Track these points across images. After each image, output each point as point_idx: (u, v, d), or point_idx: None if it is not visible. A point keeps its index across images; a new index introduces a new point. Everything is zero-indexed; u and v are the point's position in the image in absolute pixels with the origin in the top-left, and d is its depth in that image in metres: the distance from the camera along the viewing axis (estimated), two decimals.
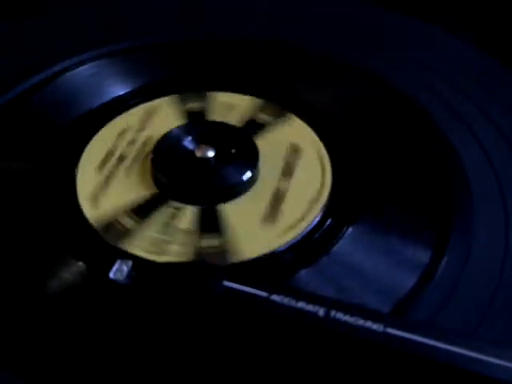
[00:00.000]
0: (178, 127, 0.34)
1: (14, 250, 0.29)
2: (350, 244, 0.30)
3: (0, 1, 0.44)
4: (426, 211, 0.31)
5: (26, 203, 0.31)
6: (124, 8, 0.44)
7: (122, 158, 0.33)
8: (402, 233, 0.30)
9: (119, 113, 0.36)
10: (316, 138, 0.34)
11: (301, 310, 0.24)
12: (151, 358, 0.25)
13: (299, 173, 0.33)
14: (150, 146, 0.33)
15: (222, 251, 0.29)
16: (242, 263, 0.29)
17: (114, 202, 0.31)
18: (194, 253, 0.29)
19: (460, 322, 0.27)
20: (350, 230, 0.30)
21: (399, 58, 0.40)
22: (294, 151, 0.34)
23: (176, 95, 0.37)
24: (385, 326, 0.23)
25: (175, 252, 0.29)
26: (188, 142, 0.33)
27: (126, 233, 0.30)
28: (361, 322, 0.24)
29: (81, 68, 0.38)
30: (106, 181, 0.32)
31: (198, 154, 0.32)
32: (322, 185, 0.32)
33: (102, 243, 0.29)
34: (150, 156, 0.32)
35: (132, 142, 0.34)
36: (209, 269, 0.26)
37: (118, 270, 0.26)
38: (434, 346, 0.23)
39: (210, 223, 0.30)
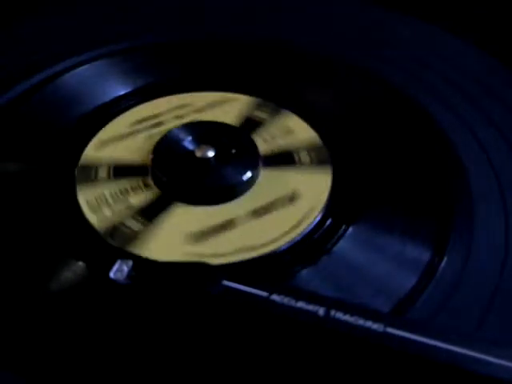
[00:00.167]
0: (178, 127, 0.34)
1: (14, 249, 0.29)
2: (350, 244, 0.30)
3: (0, 1, 0.44)
4: (426, 211, 0.31)
5: (26, 203, 0.31)
6: (124, 8, 0.44)
7: None
8: (402, 233, 0.30)
9: (119, 113, 0.36)
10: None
11: (301, 310, 0.24)
12: (151, 358, 0.25)
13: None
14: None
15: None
16: (242, 263, 0.29)
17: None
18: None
19: (460, 322, 0.27)
20: (350, 229, 0.30)
21: (399, 58, 0.40)
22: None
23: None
24: (385, 326, 0.23)
25: None
26: (188, 142, 0.33)
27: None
28: (361, 321, 0.24)
29: (81, 68, 0.38)
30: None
31: (198, 154, 0.32)
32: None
33: (102, 243, 0.29)
34: (150, 156, 0.33)
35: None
36: (208, 269, 0.26)
37: (118, 270, 0.26)
38: (434, 346, 0.23)
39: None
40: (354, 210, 0.31)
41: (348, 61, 0.39)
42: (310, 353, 0.24)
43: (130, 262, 0.27)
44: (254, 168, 0.32)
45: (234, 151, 0.32)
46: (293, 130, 0.35)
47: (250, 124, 0.35)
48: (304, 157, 0.33)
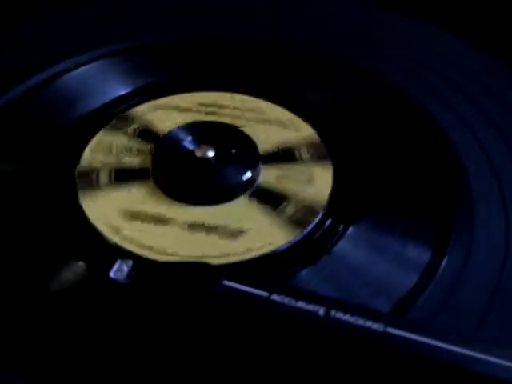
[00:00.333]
0: (178, 127, 0.34)
1: (14, 249, 0.29)
2: (350, 244, 0.30)
3: (0, 1, 0.44)
4: (426, 211, 0.31)
5: (26, 204, 0.31)
6: (124, 8, 0.44)
7: None
8: (402, 233, 0.30)
9: (119, 112, 0.36)
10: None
11: (301, 310, 0.24)
12: (151, 358, 0.25)
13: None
14: None
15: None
16: (242, 263, 0.29)
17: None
18: None
19: (460, 322, 0.27)
20: (350, 229, 0.30)
21: (399, 57, 0.40)
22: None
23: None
24: (385, 326, 0.23)
25: None
26: (188, 142, 0.33)
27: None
28: (361, 321, 0.24)
29: (81, 68, 0.38)
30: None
31: (198, 154, 0.32)
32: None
33: (103, 243, 0.29)
34: (150, 156, 0.33)
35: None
36: (209, 269, 0.26)
37: (118, 270, 0.26)
38: (434, 346, 0.23)
39: None
40: (354, 210, 0.31)
41: (348, 61, 0.39)
42: (310, 353, 0.24)
43: (130, 262, 0.27)
44: (253, 168, 0.32)
45: (233, 151, 0.32)
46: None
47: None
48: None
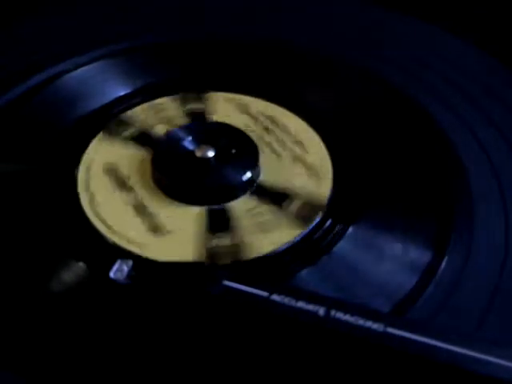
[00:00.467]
0: (178, 127, 0.34)
1: (15, 249, 0.29)
2: (350, 244, 0.30)
3: (0, 1, 0.44)
4: (426, 211, 0.31)
5: (26, 204, 0.31)
6: (124, 8, 0.44)
7: None
8: (402, 233, 0.30)
9: (119, 113, 0.36)
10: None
11: (301, 310, 0.24)
12: (151, 358, 0.25)
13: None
14: None
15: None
16: (242, 263, 0.29)
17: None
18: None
19: (460, 322, 0.27)
20: (350, 229, 0.30)
21: (399, 57, 0.40)
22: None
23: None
24: (385, 326, 0.23)
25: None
26: (188, 142, 0.33)
27: None
28: (361, 321, 0.24)
29: (81, 69, 0.38)
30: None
31: (198, 154, 0.32)
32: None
33: (103, 243, 0.29)
34: (150, 156, 0.33)
35: None
36: (209, 269, 0.26)
37: (119, 270, 0.26)
38: (434, 346, 0.23)
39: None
40: (354, 210, 0.31)
41: (348, 61, 0.39)
42: (310, 353, 0.24)
43: (130, 262, 0.27)
44: (253, 168, 0.32)
45: (233, 151, 0.32)
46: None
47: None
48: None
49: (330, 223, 0.30)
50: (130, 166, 0.33)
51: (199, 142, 0.33)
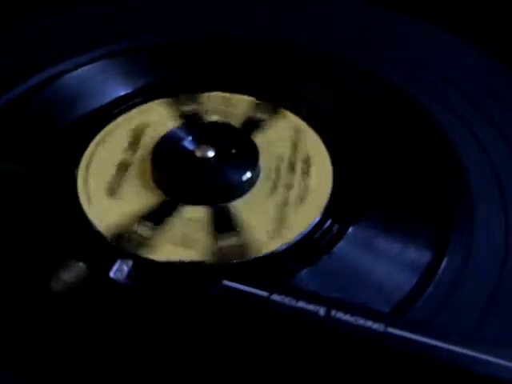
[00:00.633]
0: (178, 127, 0.34)
1: (15, 250, 0.29)
2: (350, 244, 0.30)
3: (0, 1, 0.44)
4: (426, 211, 0.31)
5: (26, 204, 0.31)
6: (124, 8, 0.44)
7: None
8: (402, 233, 0.30)
9: (119, 113, 0.36)
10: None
11: (301, 310, 0.24)
12: (151, 358, 0.25)
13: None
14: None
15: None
16: (242, 263, 0.29)
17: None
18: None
19: (460, 322, 0.27)
20: (350, 230, 0.30)
21: (399, 57, 0.40)
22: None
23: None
24: (385, 326, 0.23)
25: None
26: (188, 142, 0.33)
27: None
28: (361, 321, 0.24)
29: (81, 69, 0.38)
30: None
31: (198, 154, 0.32)
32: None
33: (103, 243, 0.29)
34: (150, 156, 0.33)
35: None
36: (208, 269, 0.26)
37: (118, 270, 0.26)
38: (434, 346, 0.23)
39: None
40: (354, 210, 0.31)
41: (348, 61, 0.39)
42: (311, 353, 0.24)
43: (130, 262, 0.27)
44: (253, 168, 0.32)
45: (233, 151, 0.32)
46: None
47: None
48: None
49: (330, 223, 0.30)
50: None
51: (199, 141, 0.33)
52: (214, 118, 0.35)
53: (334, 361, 0.24)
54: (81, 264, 0.28)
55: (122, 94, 0.37)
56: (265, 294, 0.25)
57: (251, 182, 0.32)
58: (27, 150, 0.34)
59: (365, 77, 0.38)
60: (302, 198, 0.31)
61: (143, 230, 0.30)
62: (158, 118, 0.36)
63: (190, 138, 0.33)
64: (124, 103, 0.37)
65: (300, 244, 0.29)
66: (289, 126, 0.35)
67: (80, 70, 0.38)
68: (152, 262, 0.28)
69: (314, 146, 0.34)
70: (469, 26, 0.43)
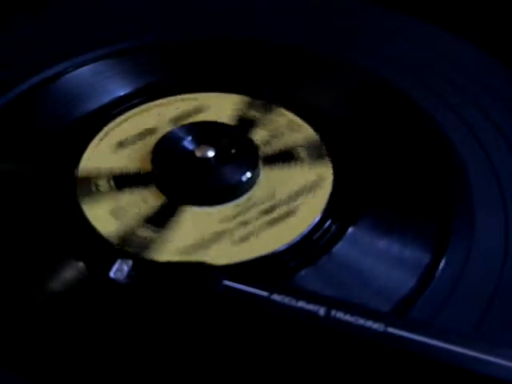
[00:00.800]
0: (178, 127, 0.34)
1: (14, 249, 0.29)
2: (350, 244, 0.30)
3: (0, 1, 0.44)
4: (426, 211, 0.31)
5: (25, 204, 0.31)
6: (124, 8, 0.44)
7: None
8: (403, 233, 0.30)
9: (119, 113, 0.36)
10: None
11: (301, 310, 0.24)
12: (151, 358, 0.25)
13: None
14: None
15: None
16: (242, 263, 0.29)
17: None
18: None
19: (460, 322, 0.27)
20: (350, 230, 0.30)
21: (399, 58, 0.40)
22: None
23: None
24: (385, 326, 0.23)
25: None
26: (188, 142, 0.33)
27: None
28: (361, 321, 0.24)
29: (81, 69, 0.38)
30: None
31: (198, 154, 0.32)
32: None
33: (102, 243, 0.29)
34: (150, 156, 0.33)
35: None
36: (208, 269, 0.26)
37: (118, 270, 0.26)
38: (434, 346, 0.23)
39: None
40: (354, 211, 0.31)
41: (348, 61, 0.39)
42: (311, 352, 0.24)
43: (130, 262, 0.27)
44: (253, 168, 0.32)
45: (233, 151, 0.32)
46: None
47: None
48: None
49: (330, 223, 0.30)
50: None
51: (199, 141, 0.33)
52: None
53: (334, 361, 0.24)
54: (81, 264, 0.28)
55: (122, 93, 0.37)
56: (265, 293, 0.25)
57: (251, 182, 0.32)
58: (27, 150, 0.34)
59: (365, 77, 0.38)
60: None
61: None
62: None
63: (190, 138, 0.33)
64: (124, 103, 0.37)
65: (300, 244, 0.29)
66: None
67: (80, 70, 0.38)
68: (152, 262, 0.28)
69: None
70: (469, 26, 0.43)
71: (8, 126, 0.35)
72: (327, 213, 0.31)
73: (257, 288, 0.25)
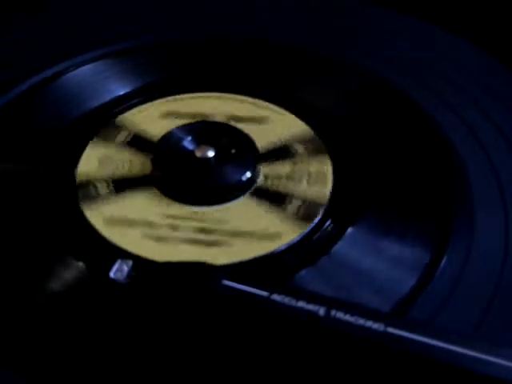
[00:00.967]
0: (178, 127, 0.34)
1: (14, 249, 0.29)
2: (350, 244, 0.30)
3: (0, 1, 0.44)
4: (426, 211, 0.31)
5: (25, 204, 0.31)
6: (124, 8, 0.44)
7: None
8: (402, 233, 0.30)
9: (119, 113, 0.36)
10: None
11: (301, 310, 0.24)
12: (151, 358, 0.25)
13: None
14: None
15: None
16: (242, 263, 0.29)
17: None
18: None
19: (460, 322, 0.27)
20: (350, 230, 0.30)
21: (399, 58, 0.40)
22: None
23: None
24: (385, 326, 0.23)
25: None
26: (188, 142, 0.33)
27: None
28: (361, 321, 0.24)
29: (81, 68, 0.38)
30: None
31: (198, 154, 0.32)
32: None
33: (103, 243, 0.29)
34: (150, 156, 0.33)
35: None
36: (208, 269, 0.26)
37: (118, 270, 0.26)
38: (434, 346, 0.23)
39: None
40: (354, 211, 0.31)
41: (348, 61, 0.39)
42: (311, 352, 0.24)
43: (130, 262, 0.27)
44: (253, 168, 0.32)
45: (233, 151, 0.32)
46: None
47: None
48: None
49: (330, 223, 0.30)
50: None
51: (199, 141, 0.33)
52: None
53: (334, 361, 0.24)
54: (81, 264, 0.28)
55: (122, 93, 0.37)
56: (265, 293, 0.25)
57: (251, 182, 0.32)
58: (27, 150, 0.34)
59: (365, 77, 0.38)
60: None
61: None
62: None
63: (190, 138, 0.33)
64: (124, 103, 0.37)
65: (300, 244, 0.29)
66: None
67: (80, 70, 0.38)
68: (152, 262, 0.28)
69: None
70: (469, 26, 0.43)
71: (8, 126, 0.35)
72: (327, 213, 0.31)
73: (257, 288, 0.25)
